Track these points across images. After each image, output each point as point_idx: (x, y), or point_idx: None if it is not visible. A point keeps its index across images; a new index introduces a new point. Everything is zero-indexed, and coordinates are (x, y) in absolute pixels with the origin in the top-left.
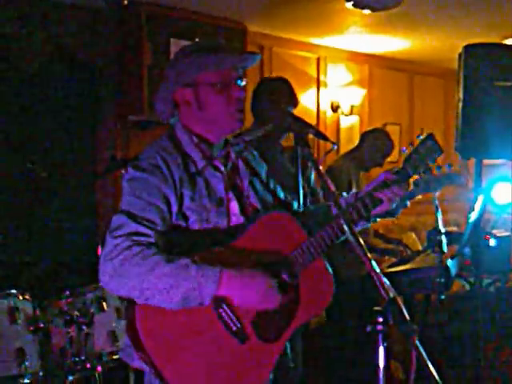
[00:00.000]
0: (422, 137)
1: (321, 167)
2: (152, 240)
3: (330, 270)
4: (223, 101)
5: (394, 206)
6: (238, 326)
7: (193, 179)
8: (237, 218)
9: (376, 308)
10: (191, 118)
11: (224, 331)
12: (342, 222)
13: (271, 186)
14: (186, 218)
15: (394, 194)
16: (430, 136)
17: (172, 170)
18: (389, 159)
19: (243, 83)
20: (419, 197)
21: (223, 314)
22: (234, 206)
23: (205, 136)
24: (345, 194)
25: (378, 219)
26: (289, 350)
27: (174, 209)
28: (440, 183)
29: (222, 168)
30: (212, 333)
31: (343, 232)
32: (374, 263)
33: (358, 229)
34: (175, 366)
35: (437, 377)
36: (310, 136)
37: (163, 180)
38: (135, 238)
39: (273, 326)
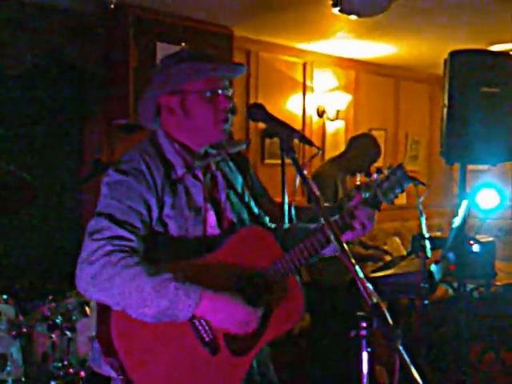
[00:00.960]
0: (392, 167)
1: (305, 172)
2: (134, 245)
3: (301, 286)
4: (210, 110)
5: (365, 233)
6: (211, 337)
7: (173, 186)
8: (212, 229)
9: (359, 313)
10: (174, 125)
11: (196, 341)
12: (328, 230)
13: (246, 199)
14: (164, 225)
15: (368, 222)
16: (400, 166)
17: (154, 176)
18: (375, 164)
19: (230, 93)
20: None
21: (197, 324)
22: (211, 218)
23: (186, 144)
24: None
25: None
26: (255, 363)
27: (155, 215)
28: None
29: (202, 177)
30: (184, 342)
31: (323, 245)
32: (358, 269)
33: (331, 254)
34: (145, 371)
35: (420, 381)
36: (295, 141)
37: (145, 185)
38: (116, 242)
39: (243, 339)
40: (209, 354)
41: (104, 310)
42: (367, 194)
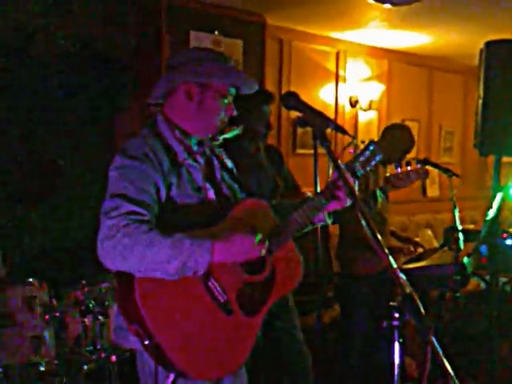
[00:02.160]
0: (365, 142)
1: (340, 162)
2: (147, 218)
3: (298, 251)
4: (220, 110)
5: (348, 203)
6: (225, 298)
7: (177, 169)
8: (214, 205)
9: (392, 303)
10: (184, 109)
11: (212, 303)
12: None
13: (238, 179)
14: (172, 204)
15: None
16: (372, 142)
17: (160, 159)
18: (409, 155)
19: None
20: (436, 194)
21: (212, 287)
22: (211, 195)
23: (187, 130)
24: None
25: None
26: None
27: (163, 194)
28: (409, 179)
29: (202, 161)
30: (202, 303)
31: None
32: (391, 259)
33: (318, 226)
34: (169, 333)
35: (452, 373)
36: (328, 130)
37: (153, 168)
38: (131, 216)
39: (254, 300)
40: (225, 315)
41: (126, 282)
42: (345, 166)
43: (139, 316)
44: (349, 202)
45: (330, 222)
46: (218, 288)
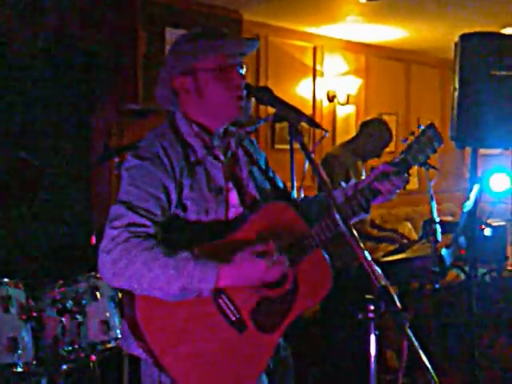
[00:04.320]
0: (423, 126)
1: (313, 156)
2: (151, 231)
3: (329, 260)
4: (223, 87)
5: (392, 197)
6: (237, 316)
7: (193, 168)
8: (236, 208)
9: (368, 296)
10: (191, 105)
11: (223, 321)
12: (336, 213)
13: (270, 174)
14: (184, 208)
15: (394, 185)
16: (431, 125)
17: (172, 159)
18: (387, 149)
19: (243, 71)
20: (415, 187)
21: (222, 304)
22: (234, 197)
23: (205, 124)
24: (343, 183)
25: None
26: (281, 340)
27: (173, 198)
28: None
29: (222, 157)
30: (211, 322)
31: (337, 224)
32: (366, 252)
33: (355, 219)
34: (175, 355)
35: (428, 365)
36: (305, 125)
37: (163, 169)
38: (133, 229)
39: (271, 316)
40: (236, 333)
41: (128, 295)
42: (396, 159)
43: (142, 338)
44: (390, 198)
45: (368, 214)
46: (230, 305)
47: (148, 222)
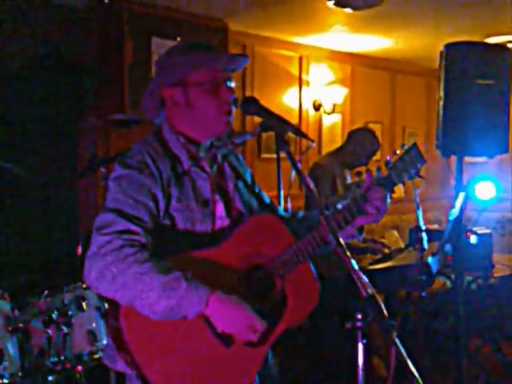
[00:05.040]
0: (406, 146)
1: (299, 165)
2: (142, 239)
3: (316, 273)
4: (212, 102)
5: (380, 218)
6: None
7: (180, 179)
8: (222, 220)
9: (355, 305)
10: (179, 117)
11: (210, 334)
12: (323, 221)
13: (256, 190)
14: (171, 219)
15: (381, 203)
16: (414, 146)
17: (160, 169)
18: (373, 158)
19: (232, 85)
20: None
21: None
22: (220, 209)
23: (191, 136)
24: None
25: None
26: (270, 357)
27: (162, 207)
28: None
29: (208, 169)
30: (198, 335)
31: (325, 237)
32: (353, 261)
33: (349, 239)
34: (159, 367)
35: (415, 373)
36: (291, 135)
37: (151, 178)
38: (126, 236)
39: (262, 320)
40: (223, 347)
41: (114, 305)
42: (380, 175)
43: (125, 347)
44: (378, 218)
45: (361, 237)
46: None
47: (139, 230)
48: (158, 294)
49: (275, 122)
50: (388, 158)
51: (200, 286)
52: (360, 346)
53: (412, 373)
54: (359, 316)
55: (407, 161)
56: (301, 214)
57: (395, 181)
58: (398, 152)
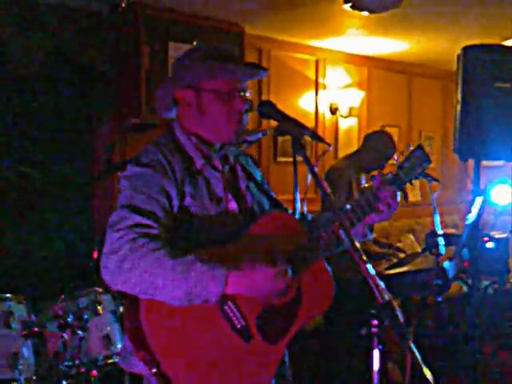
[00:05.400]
0: (411, 147)
1: (316, 169)
2: (155, 231)
3: (330, 271)
4: (224, 110)
5: (389, 216)
6: (243, 323)
7: (193, 178)
8: (235, 218)
9: (371, 311)
10: (190, 118)
11: (228, 329)
12: (339, 226)
13: (267, 190)
14: (186, 214)
15: (392, 201)
16: (419, 147)
17: (174, 167)
18: (390, 161)
19: (247, 94)
20: (417, 199)
21: (228, 311)
22: (233, 207)
23: (203, 136)
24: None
25: None
26: (287, 358)
27: (175, 204)
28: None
29: (221, 168)
30: (217, 330)
31: (340, 237)
32: (369, 266)
33: (360, 239)
34: (179, 363)
35: (431, 380)
36: (307, 138)
37: (164, 175)
38: (138, 229)
39: (276, 324)
40: (242, 342)
41: (132, 304)
42: (389, 175)
43: (145, 343)
44: (389, 215)
45: (371, 236)
46: (236, 312)
47: (152, 223)
48: (173, 278)
49: (291, 126)
50: (395, 157)
51: (215, 266)
52: (376, 352)
53: (427, 379)
54: (375, 322)
55: (413, 161)
56: (310, 216)
57: (403, 179)
58: (404, 153)
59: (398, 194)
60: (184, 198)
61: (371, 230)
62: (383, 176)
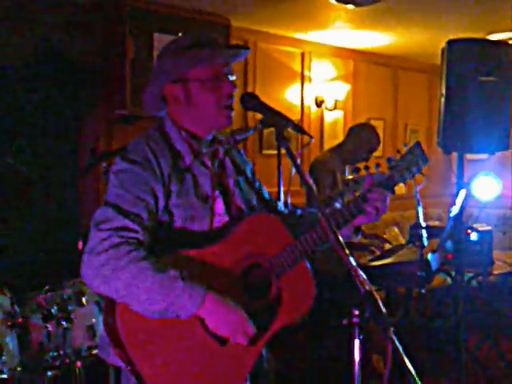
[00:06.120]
0: (408, 145)
1: (299, 161)
2: (140, 236)
3: (312, 272)
4: (213, 97)
5: (379, 217)
6: None
7: (180, 174)
8: (221, 217)
9: (352, 301)
10: (180, 113)
11: (203, 331)
12: (326, 225)
13: (256, 185)
14: (170, 214)
15: (381, 204)
16: (417, 144)
17: (161, 165)
18: (374, 154)
19: (233, 78)
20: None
21: None
22: (220, 205)
23: (193, 131)
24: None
25: None
26: (264, 352)
27: (161, 204)
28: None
29: (210, 164)
30: (192, 332)
31: (326, 236)
32: (350, 258)
33: (345, 239)
34: (153, 364)
35: (412, 370)
36: (292, 131)
37: (152, 173)
38: (123, 233)
39: (253, 325)
40: (217, 345)
41: (110, 301)
42: (381, 176)
43: (120, 342)
44: (377, 218)
45: (356, 238)
46: None
47: (136, 227)
48: (153, 293)
49: (275, 118)
50: (390, 156)
51: (195, 287)
52: (357, 343)
53: (409, 369)
54: (356, 312)
55: (410, 160)
56: (299, 210)
57: (397, 181)
58: (400, 151)
59: (388, 196)
60: (170, 196)
61: (358, 231)
62: (374, 177)
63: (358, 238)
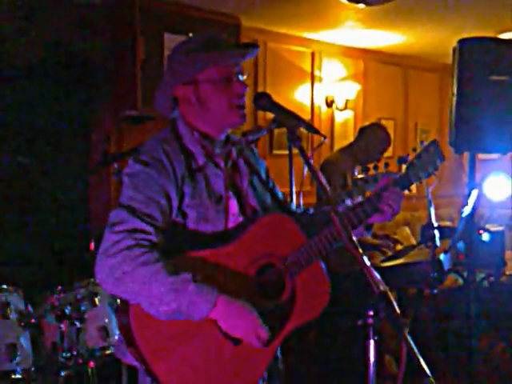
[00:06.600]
0: (425, 143)
1: (312, 162)
2: (153, 238)
3: (327, 273)
4: (225, 98)
5: (393, 216)
6: None
7: (193, 176)
8: (235, 217)
9: (367, 302)
10: (192, 114)
11: (217, 331)
12: (339, 224)
13: (270, 185)
14: (184, 216)
15: (396, 203)
16: (434, 142)
17: (174, 166)
18: (385, 154)
19: (244, 77)
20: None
21: None
22: (233, 206)
23: (206, 132)
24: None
25: None
26: (279, 353)
27: (175, 205)
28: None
29: (223, 165)
30: (206, 333)
31: (340, 236)
32: (364, 258)
33: (357, 236)
34: (167, 364)
35: (427, 370)
36: (303, 131)
37: (165, 175)
38: (136, 235)
39: (268, 326)
40: (231, 345)
41: (124, 302)
42: (397, 175)
43: (134, 343)
44: (392, 217)
45: (368, 234)
46: None
47: (151, 229)
48: (165, 295)
49: (287, 118)
50: (406, 155)
51: (208, 289)
52: (371, 343)
53: (424, 370)
54: (371, 313)
55: (426, 159)
56: (311, 210)
57: (412, 180)
58: (416, 149)
59: (402, 195)
60: (183, 197)
61: (370, 228)
62: (390, 176)
63: (370, 235)
